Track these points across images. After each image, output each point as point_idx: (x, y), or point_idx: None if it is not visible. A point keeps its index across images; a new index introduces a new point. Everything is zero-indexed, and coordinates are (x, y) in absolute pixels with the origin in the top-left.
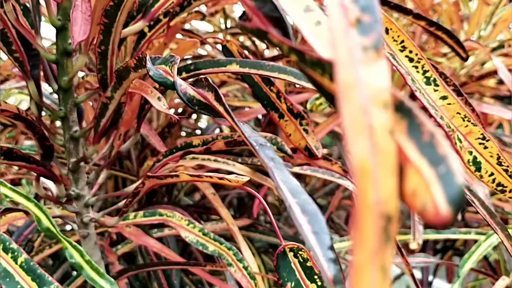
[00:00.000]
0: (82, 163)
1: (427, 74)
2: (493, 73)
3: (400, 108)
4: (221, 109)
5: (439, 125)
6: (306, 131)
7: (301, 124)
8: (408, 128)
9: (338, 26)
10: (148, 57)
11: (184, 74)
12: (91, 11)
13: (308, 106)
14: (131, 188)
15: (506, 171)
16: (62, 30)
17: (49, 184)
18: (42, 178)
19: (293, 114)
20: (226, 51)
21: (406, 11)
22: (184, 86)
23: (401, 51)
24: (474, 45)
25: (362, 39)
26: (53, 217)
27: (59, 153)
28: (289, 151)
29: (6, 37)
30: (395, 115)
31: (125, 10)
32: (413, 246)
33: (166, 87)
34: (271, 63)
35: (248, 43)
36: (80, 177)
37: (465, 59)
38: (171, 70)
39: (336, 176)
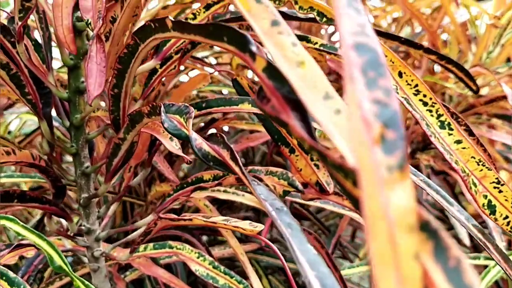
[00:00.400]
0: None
1: (442, 118)
2: (501, 97)
3: (426, 228)
4: (236, 169)
5: (455, 170)
6: (317, 166)
7: (312, 159)
8: (435, 251)
9: (361, 142)
10: (162, 108)
11: (196, 112)
12: (106, 59)
13: (317, 133)
14: (142, 223)
15: None
16: (74, 69)
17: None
18: None
19: (304, 150)
20: (236, 85)
21: (416, 46)
22: (199, 141)
23: (415, 95)
24: (483, 71)
25: (386, 158)
26: (64, 251)
27: (69, 180)
28: (300, 186)
29: (19, 80)
30: (421, 235)
31: (139, 58)
32: None
33: (180, 139)
34: None
35: None
36: (91, 212)
37: (476, 91)
38: (186, 122)
39: (346, 209)
